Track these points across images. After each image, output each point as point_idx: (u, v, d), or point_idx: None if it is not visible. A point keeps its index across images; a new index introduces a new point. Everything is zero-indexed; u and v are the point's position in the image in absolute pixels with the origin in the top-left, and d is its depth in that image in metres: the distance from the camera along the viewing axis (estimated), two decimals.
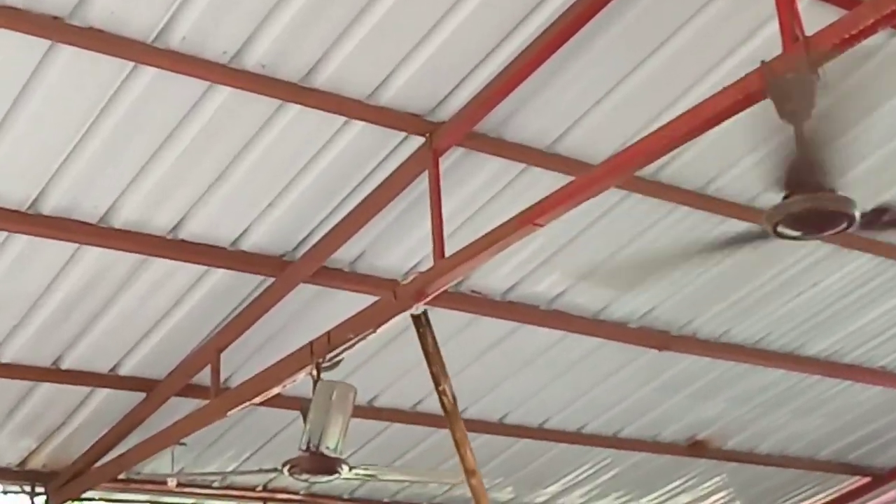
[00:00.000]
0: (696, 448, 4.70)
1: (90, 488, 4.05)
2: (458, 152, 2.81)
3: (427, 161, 2.72)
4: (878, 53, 2.51)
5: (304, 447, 3.12)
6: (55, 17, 2.00)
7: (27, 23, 2.00)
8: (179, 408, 3.54)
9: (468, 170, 2.93)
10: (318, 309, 3.29)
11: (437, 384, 2.86)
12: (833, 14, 2.08)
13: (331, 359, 3.01)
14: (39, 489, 4.09)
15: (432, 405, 3.34)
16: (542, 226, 2.43)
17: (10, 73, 2.22)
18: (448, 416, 2.88)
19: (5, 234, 2.71)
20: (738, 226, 2.99)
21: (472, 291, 3.39)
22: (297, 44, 2.31)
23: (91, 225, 2.71)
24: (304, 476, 3.38)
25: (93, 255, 2.85)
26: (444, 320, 3.08)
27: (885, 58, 2.56)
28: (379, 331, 2.77)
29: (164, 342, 3.39)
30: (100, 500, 4.30)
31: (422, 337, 2.90)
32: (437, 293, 2.67)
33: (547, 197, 2.37)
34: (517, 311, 3.56)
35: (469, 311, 3.48)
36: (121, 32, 2.09)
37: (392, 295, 2.74)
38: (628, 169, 2.35)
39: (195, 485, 4.25)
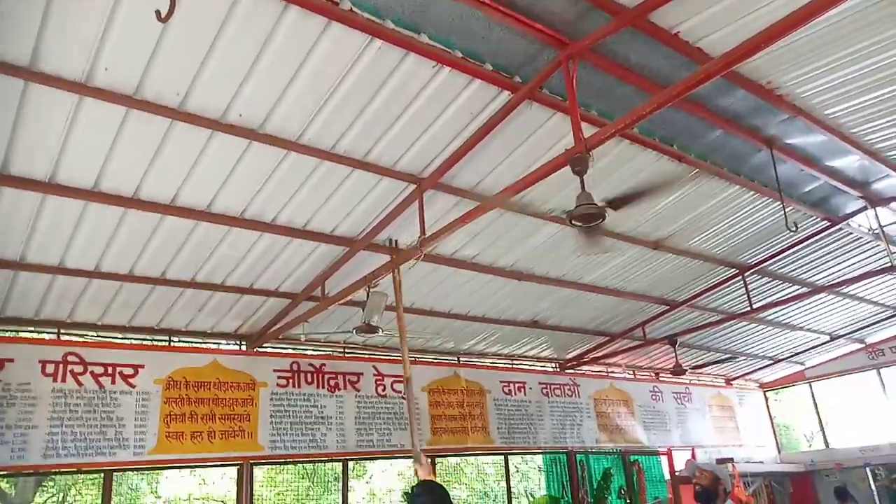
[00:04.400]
0: (535, 324, 8.76)
1: (266, 342, 7.47)
2: (432, 192, 5.44)
3: (417, 196, 5.40)
4: (613, 151, 5.54)
5: (362, 322, 6.53)
6: None
7: None
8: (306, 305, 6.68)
9: (436, 200, 5.57)
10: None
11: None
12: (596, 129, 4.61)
13: (374, 284, 6.58)
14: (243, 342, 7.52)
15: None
16: (467, 223, 4.70)
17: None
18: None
19: None
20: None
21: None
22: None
23: None
24: (362, 334, 6.21)
25: None
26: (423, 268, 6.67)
27: (616, 154, 6.08)
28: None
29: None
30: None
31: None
32: (421, 255, 5.45)
33: (469, 212, 4.70)
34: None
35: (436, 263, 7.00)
36: None
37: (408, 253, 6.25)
38: (502, 200, 5.94)
39: (312, 339, 7.79)
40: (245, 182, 4.99)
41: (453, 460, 12.35)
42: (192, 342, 7.34)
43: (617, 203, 4.41)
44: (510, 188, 4.41)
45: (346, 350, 8.39)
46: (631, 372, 11.42)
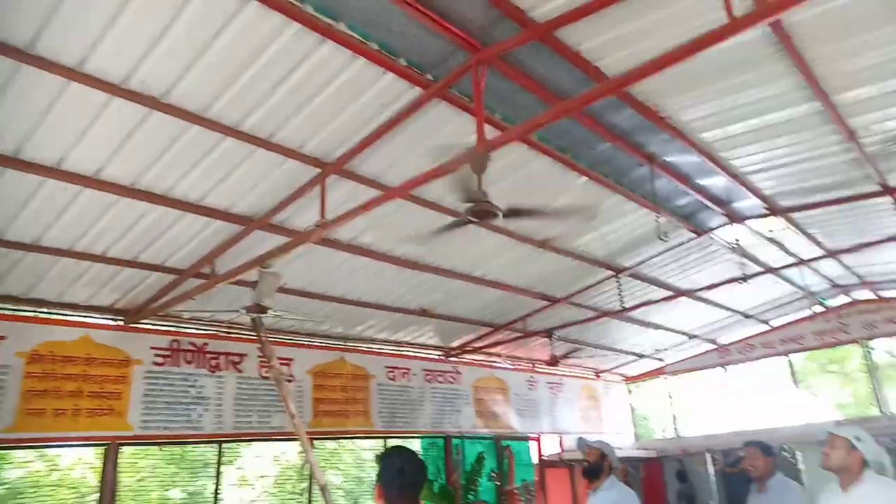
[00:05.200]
0: (424, 313, 9.00)
1: (145, 318, 7.07)
2: (335, 178, 5.45)
3: (320, 180, 5.36)
4: (512, 154, 6.02)
5: (252, 302, 6.55)
6: None
7: None
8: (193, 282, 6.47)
9: (339, 186, 5.58)
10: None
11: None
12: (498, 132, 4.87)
13: (267, 265, 6.49)
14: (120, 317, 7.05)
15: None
16: (368, 211, 4.81)
17: None
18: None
19: None
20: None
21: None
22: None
23: None
24: (252, 314, 5.99)
25: None
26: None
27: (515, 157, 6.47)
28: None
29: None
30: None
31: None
32: (319, 238, 6.05)
33: (371, 200, 4.83)
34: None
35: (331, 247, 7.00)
36: None
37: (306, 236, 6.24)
38: (404, 192, 6.08)
39: (195, 318, 7.50)
40: (140, 151, 4.77)
41: (331, 444, 12.37)
42: (62, 314, 6.87)
43: (512, 213, 4.64)
44: (412, 181, 4.53)
45: (232, 330, 8.19)
46: (510, 362, 11.98)
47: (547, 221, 6.19)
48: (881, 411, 12.51)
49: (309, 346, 8.96)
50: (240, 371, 8.05)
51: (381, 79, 4.56)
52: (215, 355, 7.88)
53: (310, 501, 8.60)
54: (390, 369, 9.77)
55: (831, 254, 9.16)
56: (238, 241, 6.10)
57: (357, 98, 4.71)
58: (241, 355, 8.12)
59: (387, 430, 9.42)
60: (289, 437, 8.69)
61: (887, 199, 7.02)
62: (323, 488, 6.53)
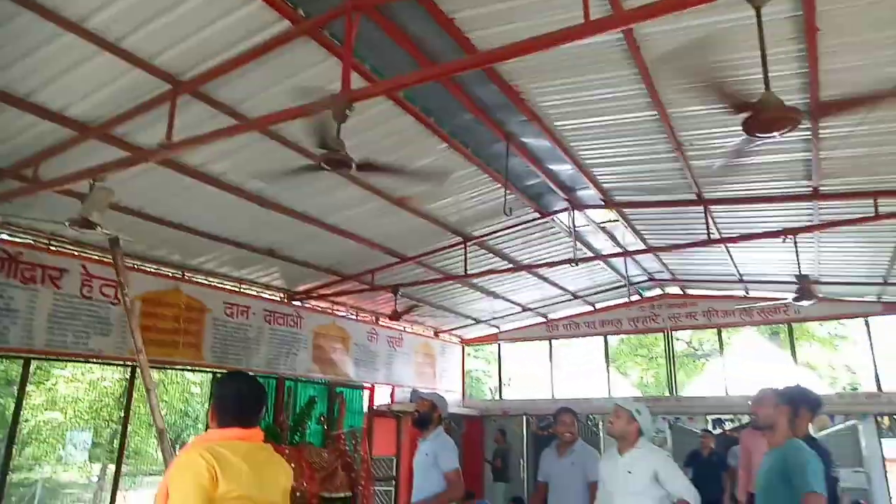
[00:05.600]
0: (271, 253, 8.88)
1: None
2: (189, 98, 5.10)
3: (171, 98, 4.93)
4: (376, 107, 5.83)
5: (79, 215, 5.97)
6: None
7: None
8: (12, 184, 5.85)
9: (192, 107, 5.22)
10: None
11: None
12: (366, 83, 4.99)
13: (101, 178, 6.02)
14: None
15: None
16: (219, 139, 4.70)
17: None
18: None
19: None
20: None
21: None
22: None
23: None
24: (79, 228, 5.49)
25: None
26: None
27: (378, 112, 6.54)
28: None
29: None
30: None
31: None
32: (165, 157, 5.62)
33: (224, 129, 4.62)
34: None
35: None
36: None
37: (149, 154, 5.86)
38: (260, 126, 5.29)
39: (11, 223, 6.83)
40: None
41: (156, 375, 11.90)
42: None
43: (366, 166, 4.68)
44: (270, 115, 4.44)
45: (53, 243, 7.56)
46: (354, 312, 12.15)
47: (399, 179, 6.31)
48: (672, 393, 14.28)
49: (142, 271, 8.50)
50: (58, 287, 7.48)
51: (251, 2, 4.38)
52: (31, 266, 7.25)
53: (123, 435, 8.23)
54: (229, 305, 9.54)
55: (651, 249, 10.20)
56: (69, 147, 5.61)
57: (223, 17, 4.47)
58: (62, 270, 7.55)
59: (218, 364, 9.23)
60: (108, 360, 8.28)
61: (700, 208, 7.95)
62: (161, 433, 6.36)
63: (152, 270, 8.67)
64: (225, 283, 9.64)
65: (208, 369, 9.37)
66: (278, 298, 10.58)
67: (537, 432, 14.04)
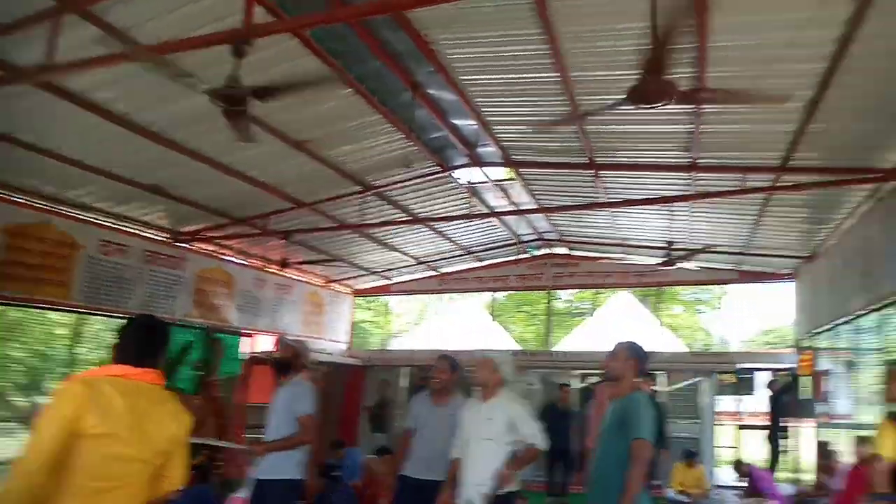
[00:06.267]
0: (157, 190, 8.42)
1: None
2: (74, 17, 4.67)
3: (53, 16, 4.67)
4: (280, 45, 5.69)
5: None
6: None
7: None
8: None
9: (78, 28, 4.76)
10: None
11: None
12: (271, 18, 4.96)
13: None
14: None
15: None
16: (105, 66, 4.65)
17: None
18: None
19: None
20: None
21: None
22: None
23: None
24: None
25: None
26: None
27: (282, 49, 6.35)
28: None
29: None
30: None
31: None
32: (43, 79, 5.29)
33: (112, 55, 4.50)
34: None
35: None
36: None
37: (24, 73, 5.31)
38: (151, 56, 5.50)
39: None
40: None
41: (16, 314, 11.04)
42: None
43: (262, 93, 4.52)
44: (166, 44, 4.21)
45: None
46: (242, 257, 11.79)
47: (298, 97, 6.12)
48: (547, 349, 15.17)
49: (7, 201, 7.78)
50: None
51: None
52: None
53: None
54: (105, 243, 8.96)
55: (543, 209, 10.64)
56: None
57: None
58: None
59: (88, 304, 8.70)
60: None
61: (591, 172, 8.39)
62: None
63: (20, 201, 7.94)
64: (103, 219, 9.02)
65: (76, 310, 8.81)
66: (162, 239, 10.06)
67: (419, 383, 14.43)
